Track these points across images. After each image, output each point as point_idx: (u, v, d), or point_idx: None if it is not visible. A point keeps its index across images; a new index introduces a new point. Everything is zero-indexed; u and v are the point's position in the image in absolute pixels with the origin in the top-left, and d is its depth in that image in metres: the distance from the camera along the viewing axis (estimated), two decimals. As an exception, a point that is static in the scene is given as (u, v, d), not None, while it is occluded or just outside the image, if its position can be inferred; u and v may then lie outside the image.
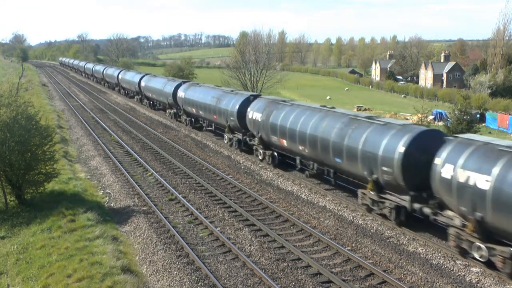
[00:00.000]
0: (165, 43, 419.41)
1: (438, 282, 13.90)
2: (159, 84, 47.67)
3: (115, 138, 35.92)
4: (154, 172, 25.66)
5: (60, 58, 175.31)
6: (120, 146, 33.51)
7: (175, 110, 43.71)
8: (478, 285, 13.76)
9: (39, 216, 18.87)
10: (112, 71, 75.84)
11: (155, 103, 51.64)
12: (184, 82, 43.41)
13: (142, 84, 53.90)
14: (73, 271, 14.13)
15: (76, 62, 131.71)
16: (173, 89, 42.77)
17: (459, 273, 14.41)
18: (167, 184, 23.42)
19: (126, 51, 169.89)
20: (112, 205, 21.38)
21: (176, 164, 27.67)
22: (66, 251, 15.65)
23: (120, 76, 67.30)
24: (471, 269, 14.57)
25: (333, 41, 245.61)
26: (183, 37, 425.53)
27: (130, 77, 60.89)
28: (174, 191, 22.36)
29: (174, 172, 26.29)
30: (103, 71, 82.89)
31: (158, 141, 35.10)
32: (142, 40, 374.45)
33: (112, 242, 16.48)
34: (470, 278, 14.08)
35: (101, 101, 62.34)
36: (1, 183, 19.97)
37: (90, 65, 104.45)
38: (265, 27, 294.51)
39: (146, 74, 56.69)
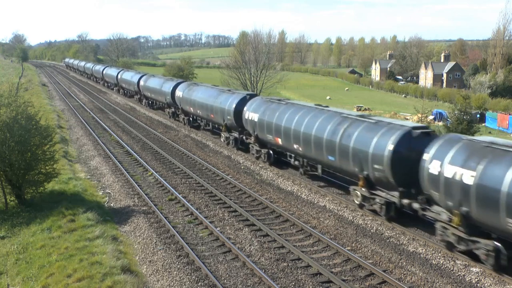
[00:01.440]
0: (165, 43, 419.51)
1: (438, 282, 13.90)
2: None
3: (115, 138, 35.93)
4: (154, 172, 25.66)
5: (67, 60, 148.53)
6: (120, 146, 33.51)
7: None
8: (478, 285, 13.76)
9: (39, 216, 18.86)
10: (156, 82, 50.60)
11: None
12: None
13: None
14: (73, 271, 14.13)
15: (89, 65, 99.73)
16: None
17: (459, 273, 14.41)
18: (167, 184, 23.42)
19: (126, 51, 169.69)
20: (112, 205, 21.38)
21: (176, 164, 27.67)
22: (66, 251, 15.65)
23: (142, 82, 57.45)
24: (471, 269, 14.57)
25: (333, 41, 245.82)
26: (183, 37, 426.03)
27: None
28: (174, 191, 22.36)
29: (174, 172, 26.29)
30: (138, 81, 56.10)
31: (158, 141, 35.11)
32: (142, 40, 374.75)
33: (112, 242, 16.48)
34: (470, 278, 14.08)
35: (101, 101, 62.37)
36: (1, 183, 19.95)
37: (112, 71, 75.40)
38: (265, 27, 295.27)
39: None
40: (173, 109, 43.88)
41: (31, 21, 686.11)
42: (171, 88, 43.19)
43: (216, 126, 34.83)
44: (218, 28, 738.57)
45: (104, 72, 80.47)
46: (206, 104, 34.34)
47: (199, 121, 38.08)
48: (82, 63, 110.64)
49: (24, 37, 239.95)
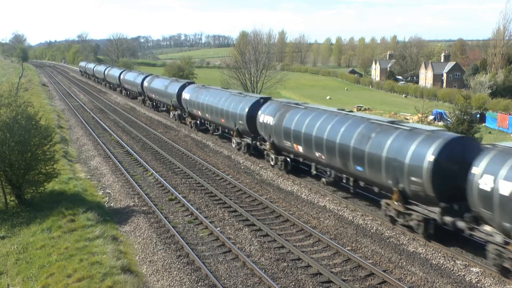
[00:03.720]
0: (165, 43, 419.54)
1: (438, 282, 13.90)
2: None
3: (115, 138, 35.92)
4: (154, 172, 25.66)
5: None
6: (120, 146, 33.51)
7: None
8: (478, 285, 13.76)
9: (39, 216, 18.86)
10: (161, 84, 47.72)
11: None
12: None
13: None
14: (73, 271, 14.13)
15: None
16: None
17: (459, 273, 14.40)
18: (167, 184, 23.41)
19: (126, 51, 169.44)
20: (112, 205, 21.38)
21: (176, 164, 27.67)
22: (66, 251, 15.65)
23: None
24: (471, 269, 14.57)
25: (333, 41, 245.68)
26: (183, 37, 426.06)
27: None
28: (174, 191, 22.36)
29: (174, 172, 26.28)
30: (142, 82, 54.71)
31: (158, 141, 35.10)
32: (142, 40, 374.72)
33: (112, 242, 16.48)
34: (470, 278, 14.08)
35: (101, 101, 62.39)
36: (1, 183, 19.96)
37: (114, 72, 71.87)
38: (265, 27, 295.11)
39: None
40: (179, 112, 42.49)
41: (31, 21, 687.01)
42: (177, 90, 41.71)
43: (227, 130, 33.30)
44: (218, 28, 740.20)
45: (106, 72, 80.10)
46: (216, 108, 32.87)
47: (208, 125, 36.67)
48: (84, 64, 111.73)
49: (24, 37, 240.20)
